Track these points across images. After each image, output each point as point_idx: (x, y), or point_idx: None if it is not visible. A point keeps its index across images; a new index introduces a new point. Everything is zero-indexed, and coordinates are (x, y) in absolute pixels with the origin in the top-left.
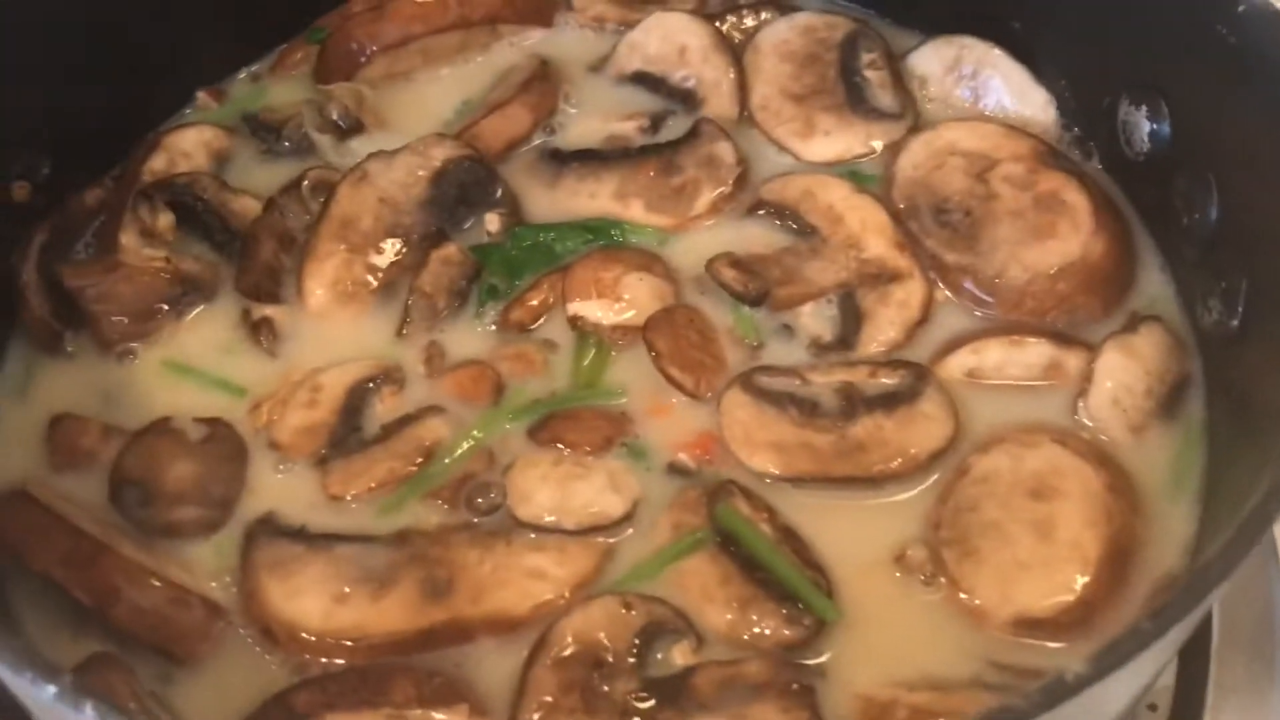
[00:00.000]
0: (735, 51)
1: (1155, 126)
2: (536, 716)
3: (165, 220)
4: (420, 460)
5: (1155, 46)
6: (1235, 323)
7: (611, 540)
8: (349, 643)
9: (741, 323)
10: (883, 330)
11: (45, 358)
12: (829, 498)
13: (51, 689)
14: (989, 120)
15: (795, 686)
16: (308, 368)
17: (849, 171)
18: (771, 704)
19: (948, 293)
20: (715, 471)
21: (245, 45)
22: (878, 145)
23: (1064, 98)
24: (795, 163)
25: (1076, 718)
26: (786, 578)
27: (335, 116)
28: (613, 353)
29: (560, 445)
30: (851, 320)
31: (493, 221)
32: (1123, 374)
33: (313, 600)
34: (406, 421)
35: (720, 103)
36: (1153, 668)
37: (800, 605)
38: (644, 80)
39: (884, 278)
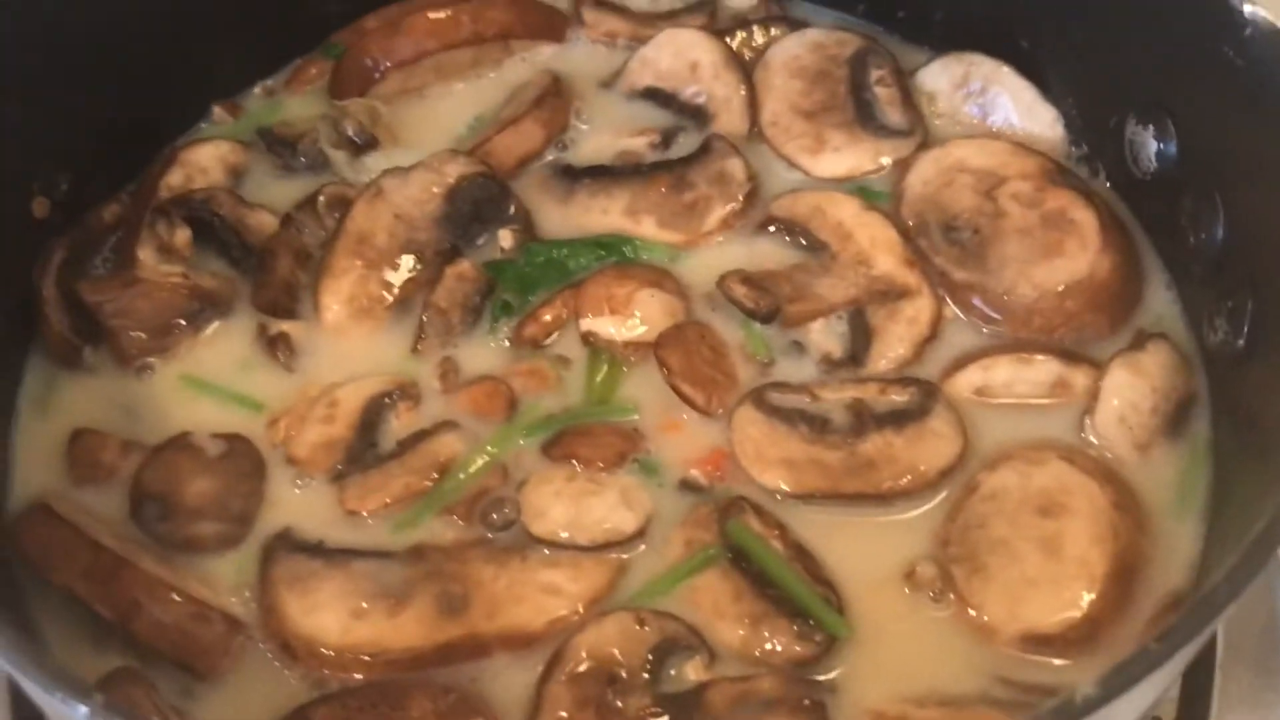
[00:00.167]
0: (746, 68)
1: (1162, 146)
2: None
3: (182, 236)
4: (435, 476)
5: (1162, 67)
6: (1241, 342)
7: (625, 556)
8: (366, 658)
9: (752, 339)
10: (892, 347)
11: (65, 373)
12: (839, 514)
13: (83, 709)
14: (997, 137)
15: (807, 702)
16: (324, 383)
17: (858, 188)
18: (783, 719)
19: (956, 310)
20: (727, 488)
21: (260, 60)
22: (887, 162)
23: (1071, 116)
24: (805, 179)
25: None
26: (798, 594)
27: (350, 132)
28: (625, 369)
29: (574, 461)
30: (861, 337)
31: (506, 238)
32: (1129, 392)
33: (331, 616)
34: (422, 437)
35: (731, 119)
36: (1159, 688)
37: (811, 622)
38: (655, 96)
39: (893, 294)
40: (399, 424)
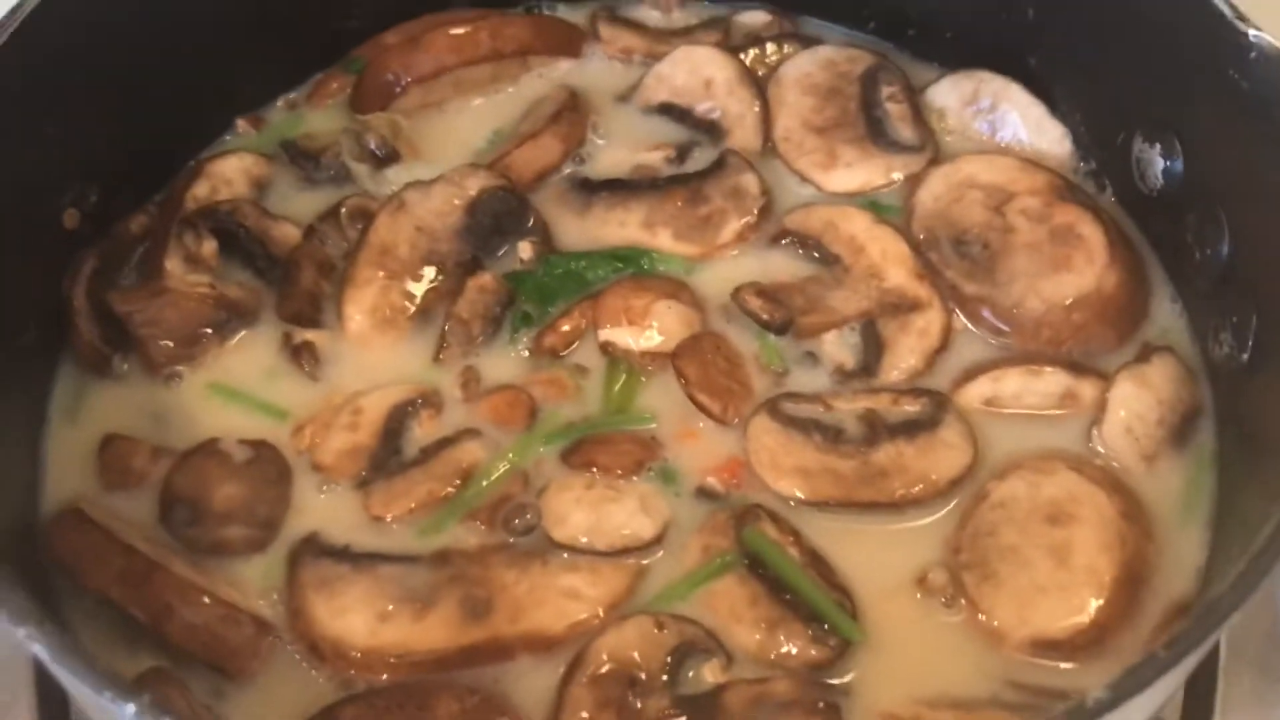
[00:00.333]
0: (759, 84)
1: (1168, 164)
2: None
3: (209, 247)
4: (458, 482)
5: (1169, 88)
6: (1245, 356)
7: (643, 561)
8: (393, 659)
9: (766, 350)
10: (904, 358)
11: (95, 381)
12: (853, 522)
13: (131, 708)
14: (1006, 153)
15: (821, 704)
16: (348, 391)
17: (870, 202)
18: None
19: (966, 322)
20: (743, 495)
21: (282, 74)
22: (898, 177)
23: (1079, 133)
24: (817, 193)
25: None
26: (812, 599)
27: (372, 145)
28: (642, 378)
29: (593, 468)
30: (873, 348)
31: (525, 250)
32: (1136, 403)
33: (358, 618)
34: (444, 444)
35: (744, 134)
36: (1166, 691)
37: (826, 626)
38: (670, 111)
39: (905, 307)
40: (422, 432)
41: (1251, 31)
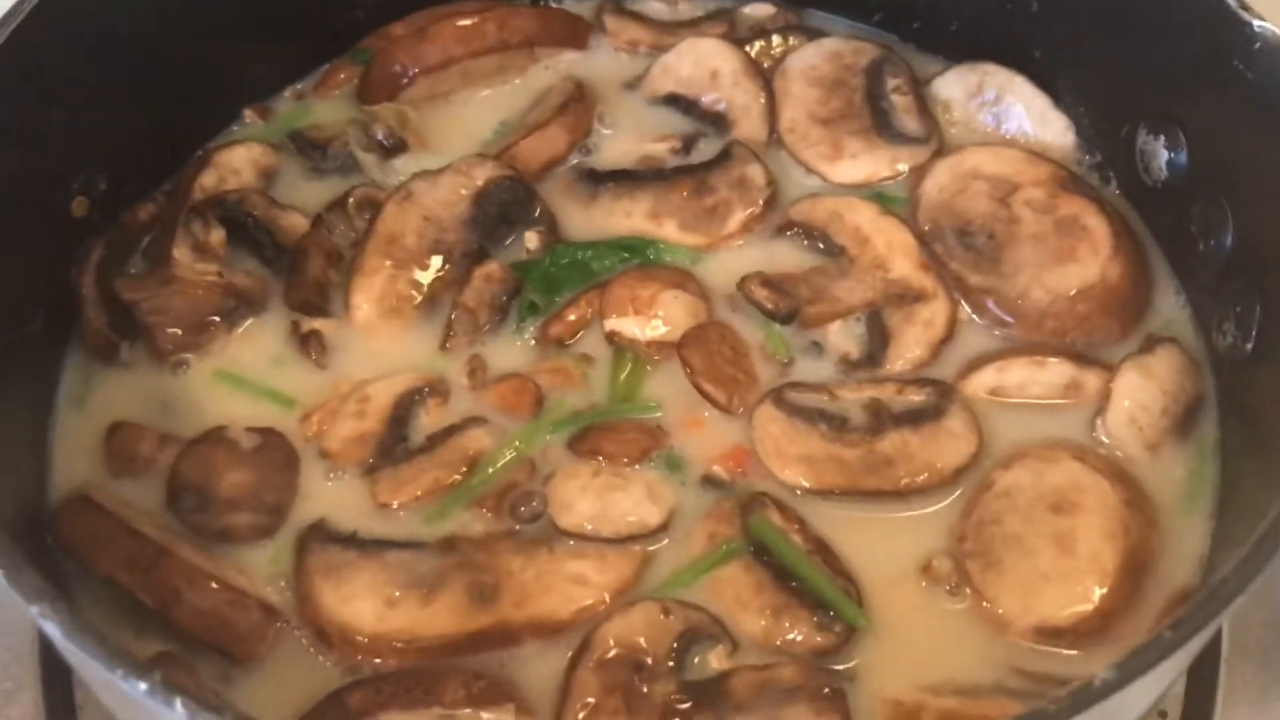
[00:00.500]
0: (765, 76)
1: (1172, 155)
2: (580, 717)
3: (217, 236)
4: (465, 470)
5: (1173, 79)
6: (1249, 346)
7: (649, 548)
8: (400, 644)
9: (772, 340)
10: (909, 348)
11: (103, 368)
12: (857, 510)
13: (143, 685)
14: (1011, 145)
15: (826, 690)
16: (355, 379)
17: (875, 194)
18: (804, 707)
19: (971, 313)
20: (748, 483)
21: (290, 65)
22: (903, 168)
23: (1083, 125)
24: (823, 184)
25: None
26: (818, 586)
27: (380, 136)
28: (648, 367)
29: (599, 456)
30: (878, 338)
31: (532, 239)
32: (1139, 393)
33: (365, 604)
34: (451, 432)
35: (750, 125)
36: (1170, 675)
37: (831, 613)
38: (676, 102)
39: (909, 297)
40: (428, 419)
41: (1256, 22)
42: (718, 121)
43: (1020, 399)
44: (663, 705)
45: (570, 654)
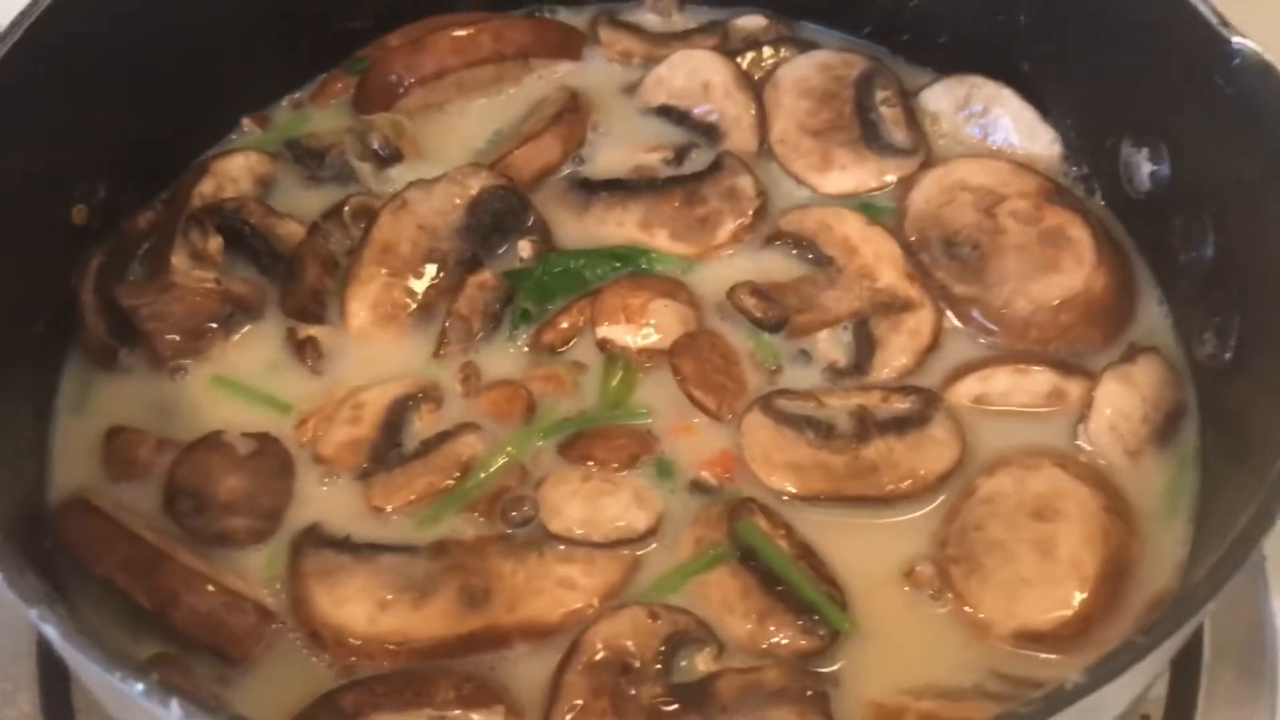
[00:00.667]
0: (756, 88)
1: (1156, 168)
2: (568, 719)
3: (215, 243)
4: (457, 475)
5: (1157, 93)
6: (1229, 356)
7: (638, 553)
8: (392, 647)
9: (761, 348)
10: (895, 357)
11: (102, 374)
12: (843, 516)
13: (140, 686)
14: (998, 157)
15: (810, 693)
16: (350, 385)
17: (864, 204)
18: (788, 709)
19: (956, 322)
20: (736, 489)
21: (288, 74)
22: (891, 179)
23: (1069, 137)
24: (812, 195)
25: None
26: (803, 591)
27: (375, 145)
28: (639, 374)
29: (589, 462)
30: (865, 347)
31: (525, 248)
32: (1121, 402)
33: (358, 607)
34: (444, 438)
35: (741, 136)
36: (1145, 678)
37: (816, 617)
38: (669, 114)
39: (896, 307)
40: (422, 425)
41: (1235, 39)
42: (709, 132)
43: (1003, 407)
44: (649, 707)
45: (559, 657)
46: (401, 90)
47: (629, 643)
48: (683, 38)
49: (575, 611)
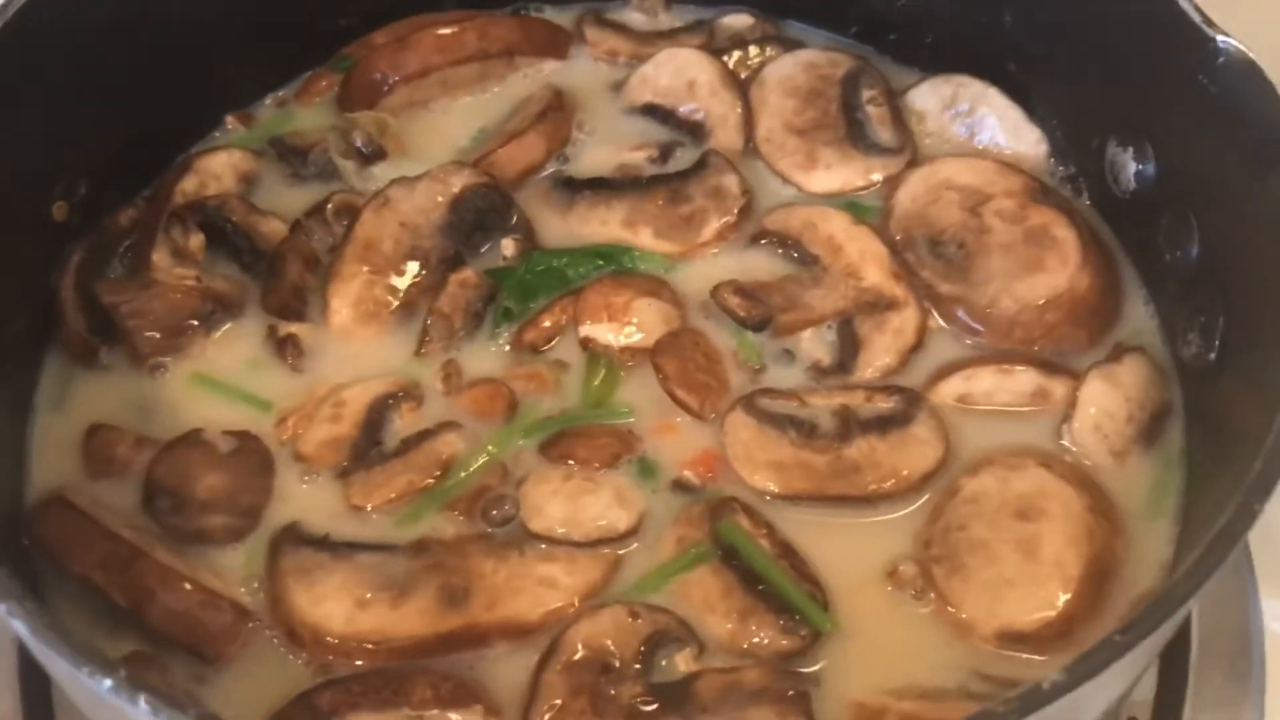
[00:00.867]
0: (742, 86)
1: (1141, 167)
2: (547, 718)
3: (196, 241)
4: (438, 473)
5: (1142, 93)
6: (1213, 355)
7: (619, 552)
8: (370, 646)
9: (744, 347)
10: (879, 356)
11: (81, 371)
12: (825, 515)
13: (108, 682)
14: (983, 156)
15: (791, 693)
16: (331, 383)
17: (849, 203)
18: (769, 709)
19: (941, 321)
20: (718, 488)
21: (272, 72)
22: (877, 178)
23: (1055, 137)
24: (798, 194)
25: None
26: (784, 590)
27: (359, 143)
28: (622, 373)
29: (571, 461)
30: (849, 346)
31: (508, 246)
32: (1105, 401)
33: (336, 605)
34: (425, 436)
35: (727, 135)
36: (1126, 678)
37: (797, 616)
38: (654, 112)
39: (881, 306)
40: (403, 423)
41: (1219, 38)
42: (695, 131)
43: (988, 406)
44: (629, 707)
45: (539, 656)
46: (386, 88)
47: (609, 642)
48: (669, 36)
49: (556, 611)
